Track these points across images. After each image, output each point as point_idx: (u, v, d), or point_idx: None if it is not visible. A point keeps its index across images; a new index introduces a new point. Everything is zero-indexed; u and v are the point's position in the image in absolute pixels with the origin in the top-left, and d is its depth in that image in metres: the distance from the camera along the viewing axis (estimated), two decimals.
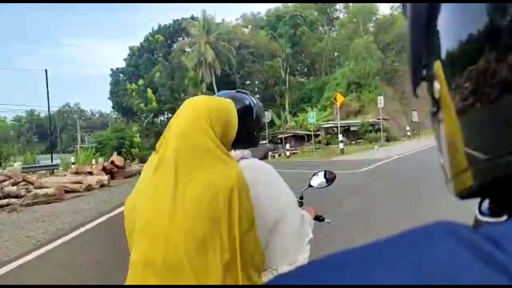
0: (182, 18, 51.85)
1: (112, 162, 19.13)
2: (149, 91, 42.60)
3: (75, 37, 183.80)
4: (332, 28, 56.25)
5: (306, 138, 39.69)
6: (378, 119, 39.35)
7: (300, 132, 38.55)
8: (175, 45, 49.25)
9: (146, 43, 52.49)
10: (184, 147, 1.24)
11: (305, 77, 59.85)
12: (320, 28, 54.37)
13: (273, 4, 77.35)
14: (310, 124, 29.72)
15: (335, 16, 56.52)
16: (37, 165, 25.51)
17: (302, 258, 1.38)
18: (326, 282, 0.25)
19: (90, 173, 17.22)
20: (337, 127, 39.52)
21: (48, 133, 42.90)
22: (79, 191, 14.13)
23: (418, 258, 0.25)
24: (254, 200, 1.25)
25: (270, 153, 37.97)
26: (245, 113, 1.54)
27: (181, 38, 52.45)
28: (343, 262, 0.27)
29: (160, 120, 49.92)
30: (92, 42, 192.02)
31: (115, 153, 25.17)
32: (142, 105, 42.47)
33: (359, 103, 45.27)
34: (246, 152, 1.53)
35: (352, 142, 36.11)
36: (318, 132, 38.74)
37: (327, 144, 36.36)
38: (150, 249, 1.17)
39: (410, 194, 9.10)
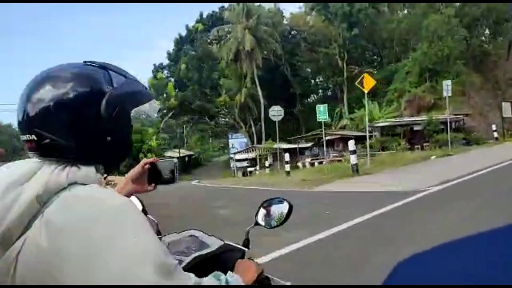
0: (222, 7, 45.40)
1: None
2: (170, 85, 37.00)
3: None
4: (403, 5, 46.09)
5: (359, 139, 31.12)
6: (455, 115, 29.60)
7: (347, 133, 30.06)
8: (209, 34, 43.08)
9: (186, 33, 47.09)
10: None
11: (375, 67, 50.36)
12: (385, 6, 44.60)
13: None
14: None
15: None
16: None
17: None
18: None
19: None
20: (394, 126, 30.59)
21: None
22: None
23: None
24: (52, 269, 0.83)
25: (309, 160, 30.16)
26: (85, 104, 0.97)
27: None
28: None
29: (184, 120, 44.12)
30: None
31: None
32: (158, 102, 37.07)
33: (435, 95, 35.05)
34: (83, 173, 0.95)
35: (417, 147, 26.86)
36: (373, 133, 30.00)
37: (382, 149, 27.53)
38: None
39: None
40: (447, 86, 21.52)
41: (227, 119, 46.85)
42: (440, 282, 0.32)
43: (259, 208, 1.56)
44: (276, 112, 19.72)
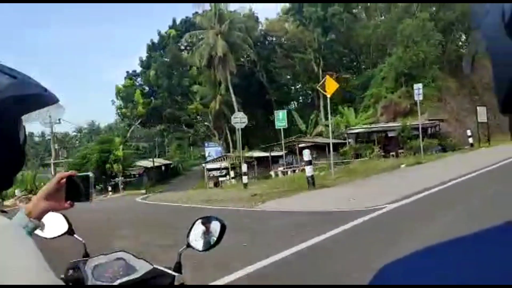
0: (196, 12, 44.07)
1: None
2: (137, 92, 35.49)
3: None
4: (379, 10, 45.60)
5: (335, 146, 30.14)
6: (430, 120, 28.90)
7: (320, 140, 29.02)
8: (182, 39, 41.74)
9: (159, 40, 45.68)
10: None
11: (353, 73, 49.64)
12: (362, 12, 44.02)
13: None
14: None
15: None
16: None
17: None
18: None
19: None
20: (369, 132, 29.68)
21: None
22: None
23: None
24: None
25: (281, 168, 29.00)
26: None
27: None
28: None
29: (162, 128, 42.59)
30: None
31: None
32: (124, 110, 35.47)
33: (411, 100, 34.34)
34: None
35: (392, 154, 25.94)
36: (346, 140, 29.09)
37: (357, 156, 26.53)
38: None
39: None
40: (418, 90, 20.61)
41: (200, 127, 45.50)
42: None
43: (191, 227, 1.48)
44: (239, 120, 18.45)
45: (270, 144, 33.97)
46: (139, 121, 38.02)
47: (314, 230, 6.70)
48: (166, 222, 10.04)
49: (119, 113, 37.51)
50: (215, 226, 1.46)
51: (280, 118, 16.53)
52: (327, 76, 15.01)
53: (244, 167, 17.05)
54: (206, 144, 49.66)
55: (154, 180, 44.11)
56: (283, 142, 18.59)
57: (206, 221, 1.49)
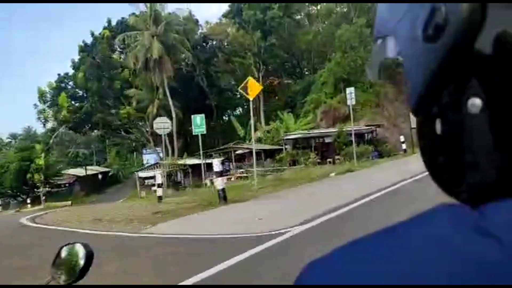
0: (133, 13, 41.80)
1: None
2: (62, 95, 32.91)
3: None
4: (318, 15, 45.74)
5: (272, 153, 29.30)
6: (367, 126, 28.79)
7: (257, 147, 27.99)
8: (116, 40, 39.44)
9: (92, 41, 42.96)
10: None
11: (297, 78, 49.35)
12: (300, 15, 43.90)
13: None
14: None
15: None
16: None
17: None
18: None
19: None
20: (307, 138, 29.15)
21: None
22: None
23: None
24: None
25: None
26: None
27: None
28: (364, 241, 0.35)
29: (99, 134, 40.08)
30: None
31: None
32: (46, 114, 32.86)
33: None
34: None
35: (329, 160, 25.43)
36: (283, 146, 28.35)
37: (294, 163, 25.78)
38: None
39: None
40: (350, 94, 20.09)
41: (135, 133, 43.29)
42: (354, 282, 0.32)
43: (56, 256, 1.35)
44: (162, 125, 16.97)
45: (206, 150, 32.61)
46: (63, 126, 35.19)
47: (184, 269, 5.41)
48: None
49: (41, 118, 34.65)
50: (81, 255, 1.31)
51: (198, 124, 15.24)
52: (250, 78, 13.92)
53: (159, 178, 15.48)
54: (144, 151, 47.46)
55: (88, 189, 41.39)
56: (201, 149, 17.25)
57: (71, 249, 1.34)
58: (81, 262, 1.31)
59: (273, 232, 6.74)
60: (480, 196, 0.33)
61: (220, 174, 10.90)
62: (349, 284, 0.32)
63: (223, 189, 10.69)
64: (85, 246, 1.34)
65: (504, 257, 0.28)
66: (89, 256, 1.31)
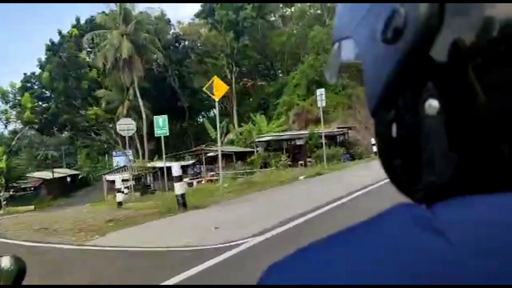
0: (103, 12, 40.53)
1: None
2: (26, 95, 31.60)
3: None
4: (292, 17, 45.62)
5: (244, 155, 28.79)
6: (339, 128, 28.70)
7: (228, 149, 27.57)
8: (84, 39, 38.21)
9: (59, 39, 41.53)
10: None
11: (270, 80, 49.02)
12: (274, 16, 43.67)
13: None
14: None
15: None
16: None
17: None
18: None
19: None
20: (279, 140, 28.84)
21: None
22: None
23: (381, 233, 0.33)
24: None
25: (187, 179, 27.11)
26: None
27: None
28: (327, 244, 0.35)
29: (68, 135, 38.76)
30: None
31: None
32: (8, 115, 31.50)
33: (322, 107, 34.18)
34: None
35: (301, 163, 25.15)
36: (255, 149, 27.93)
37: (265, 165, 25.37)
38: None
39: None
40: (321, 95, 19.81)
41: (103, 135, 42.12)
42: (314, 283, 0.32)
43: None
44: (126, 126, 16.25)
45: (177, 153, 31.94)
46: (26, 127, 33.78)
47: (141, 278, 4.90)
48: None
49: (2, 119, 33.18)
50: (11, 269, 1.14)
51: (160, 125, 14.62)
52: (215, 77, 13.38)
53: (119, 183, 14.84)
54: (114, 153, 46.21)
55: (56, 193, 39.96)
56: (164, 152, 16.63)
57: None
58: (9, 278, 1.13)
59: (226, 245, 6.22)
60: (434, 195, 0.34)
61: (179, 179, 10.30)
62: (308, 284, 0.32)
63: (182, 195, 10.11)
64: (17, 259, 1.16)
65: (453, 255, 0.28)
66: (20, 271, 1.13)
